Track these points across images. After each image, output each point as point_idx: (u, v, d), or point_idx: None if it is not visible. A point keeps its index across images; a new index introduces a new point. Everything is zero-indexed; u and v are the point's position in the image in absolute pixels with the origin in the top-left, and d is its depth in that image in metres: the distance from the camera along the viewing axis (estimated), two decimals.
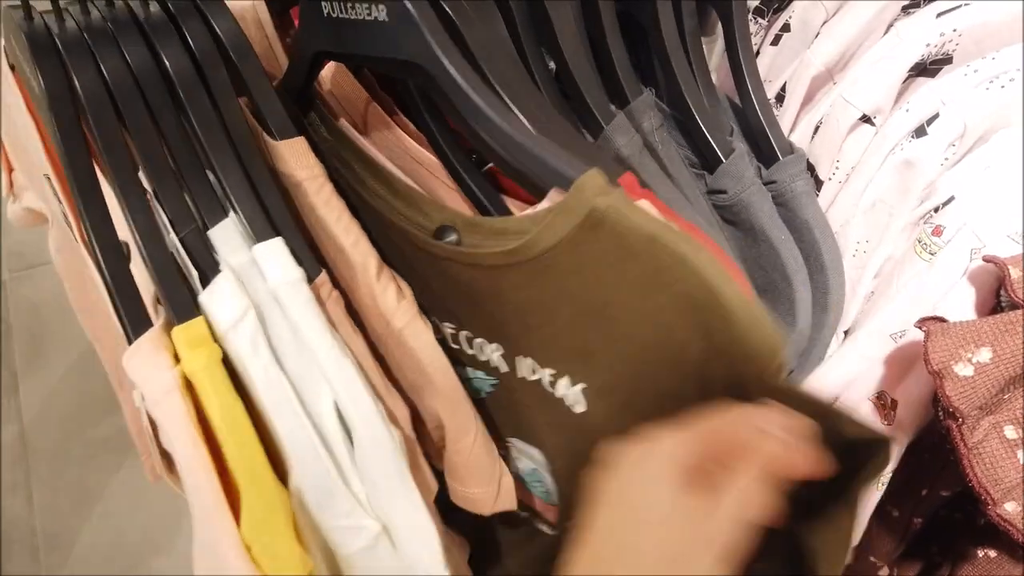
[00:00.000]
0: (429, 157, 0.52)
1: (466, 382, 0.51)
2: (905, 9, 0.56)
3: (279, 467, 0.42)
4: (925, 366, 0.41)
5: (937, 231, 0.50)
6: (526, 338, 0.45)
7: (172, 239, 0.43)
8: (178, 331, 0.41)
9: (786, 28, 0.60)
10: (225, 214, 0.45)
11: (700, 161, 0.54)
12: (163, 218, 0.44)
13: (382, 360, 0.49)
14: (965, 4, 0.52)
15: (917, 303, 0.50)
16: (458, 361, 0.51)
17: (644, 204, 0.39)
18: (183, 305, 0.42)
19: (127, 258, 0.44)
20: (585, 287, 0.39)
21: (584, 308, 0.40)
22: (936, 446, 0.50)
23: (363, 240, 0.47)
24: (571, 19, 0.51)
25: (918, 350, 0.45)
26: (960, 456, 0.41)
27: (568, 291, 0.40)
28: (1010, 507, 0.40)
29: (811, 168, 0.57)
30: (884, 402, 0.51)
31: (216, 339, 0.42)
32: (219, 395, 0.40)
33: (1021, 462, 0.39)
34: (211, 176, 0.45)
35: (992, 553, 0.46)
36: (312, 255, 0.46)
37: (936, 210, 0.52)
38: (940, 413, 0.43)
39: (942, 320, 0.44)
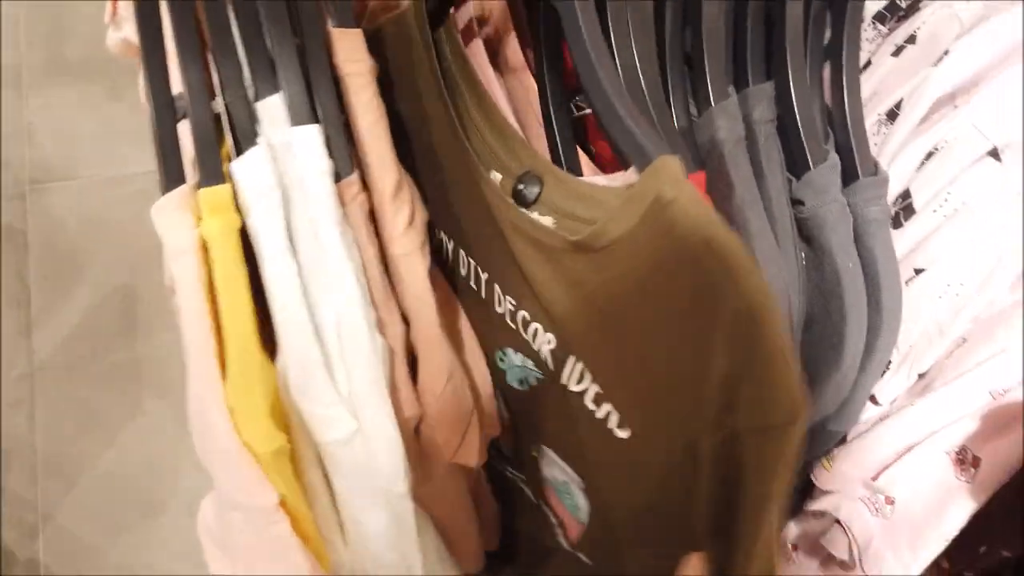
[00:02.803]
0: (533, 84, 0.54)
1: (511, 369, 0.51)
2: None
3: (275, 343, 0.44)
4: None
5: None
6: (580, 338, 0.43)
7: (219, 102, 0.46)
8: (204, 193, 0.44)
9: (912, 40, 0.56)
10: (277, 89, 0.46)
11: (788, 165, 0.52)
12: (216, 79, 0.47)
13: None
14: None
15: None
16: (511, 343, 0.50)
17: None
18: (213, 169, 0.45)
19: (176, 113, 0.47)
20: (635, 295, 0.38)
21: (637, 315, 0.39)
22: (1009, 507, 0.48)
23: (389, 155, 0.48)
24: None
25: (1017, 412, 0.44)
26: None
27: (620, 297, 0.39)
28: None
29: (906, 195, 0.55)
30: (964, 458, 0.49)
31: (240, 209, 0.45)
32: (224, 263, 0.43)
33: None
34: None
35: None
36: (349, 154, 0.47)
37: None
38: None
39: None
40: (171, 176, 0.45)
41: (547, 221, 0.43)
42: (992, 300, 0.50)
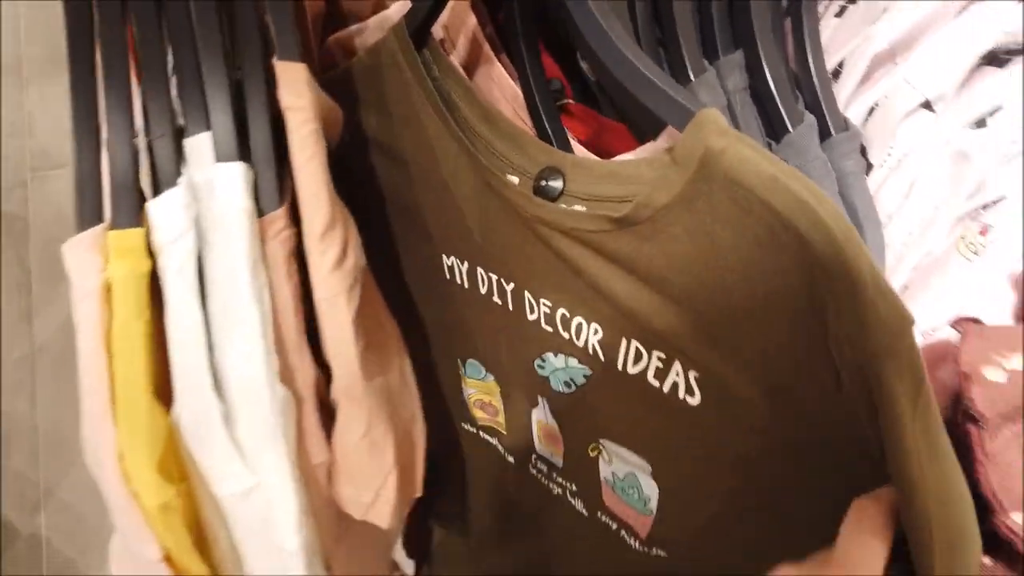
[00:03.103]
0: (514, 89, 0.52)
1: (554, 374, 0.50)
2: None
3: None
4: (955, 366, 0.40)
5: (984, 231, 0.49)
6: (633, 316, 0.42)
7: (142, 140, 0.46)
8: (112, 236, 0.44)
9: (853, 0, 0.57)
10: (208, 126, 0.46)
11: (767, 130, 0.52)
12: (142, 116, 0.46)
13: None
14: None
15: (953, 302, 0.49)
16: (549, 347, 0.49)
17: None
18: (126, 211, 0.45)
19: (99, 149, 0.46)
20: (700, 252, 0.37)
21: (699, 278, 0.38)
22: None
23: (322, 192, 0.46)
24: None
25: (946, 350, 0.44)
26: (975, 461, 0.39)
27: (681, 258, 0.38)
28: (1017, 517, 0.39)
29: (863, 151, 0.55)
30: None
31: (152, 251, 0.44)
32: (123, 309, 0.43)
33: None
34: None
35: (987, 561, 0.44)
36: (277, 189, 0.46)
37: (985, 207, 0.50)
38: (960, 416, 0.42)
39: (978, 322, 0.43)
40: (86, 214, 0.45)
41: (579, 208, 0.42)
42: (930, 250, 0.51)
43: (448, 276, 0.54)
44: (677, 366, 0.41)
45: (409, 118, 0.50)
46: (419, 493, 0.55)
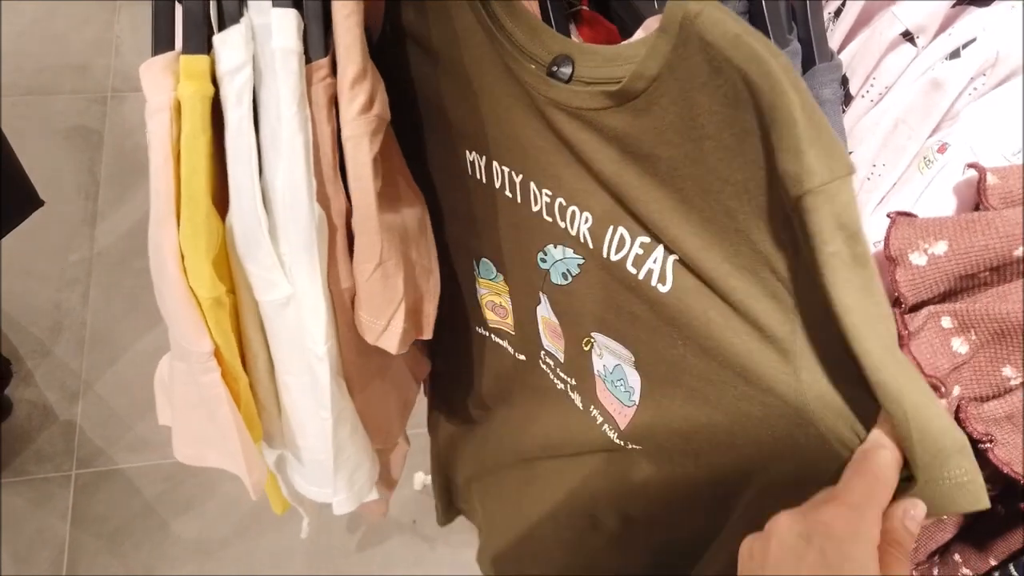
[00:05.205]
0: None
1: (554, 266, 0.52)
2: None
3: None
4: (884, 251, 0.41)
5: (942, 148, 0.49)
6: (621, 200, 0.43)
7: None
8: (184, 60, 0.47)
9: None
10: None
11: None
12: None
13: None
14: None
15: (901, 208, 0.49)
16: (550, 238, 0.51)
17: None
18: (196, 41, 0.47)
19: None
20: (683, 122, 0.38)
21: (682, 150, 0.39)
22: None
23: (355, 46, 0.48)
24: None
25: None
26: (900, 340, 0.40)
27: (667, 130, 0.39)
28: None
29: (845, 82, 0.56)
30: None
31: (215, 80, 0.47)
32: (189, 123, 0.45)
33: (953, 348, 0.40)
34: None
35: None
36: (324, 41, 0.49)
37: (948, 128, 0.51)
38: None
39: (912, 215, 0.44)
40: (161, 41, 0.48)
41: (585, 91, 0.44)
42: (899, 177, 0.51)
43: (469, 172, 0.56)
44: (658, 251, 0.42)
45: (442, 10, 0.52)
46: (427, 336, 0.57)
